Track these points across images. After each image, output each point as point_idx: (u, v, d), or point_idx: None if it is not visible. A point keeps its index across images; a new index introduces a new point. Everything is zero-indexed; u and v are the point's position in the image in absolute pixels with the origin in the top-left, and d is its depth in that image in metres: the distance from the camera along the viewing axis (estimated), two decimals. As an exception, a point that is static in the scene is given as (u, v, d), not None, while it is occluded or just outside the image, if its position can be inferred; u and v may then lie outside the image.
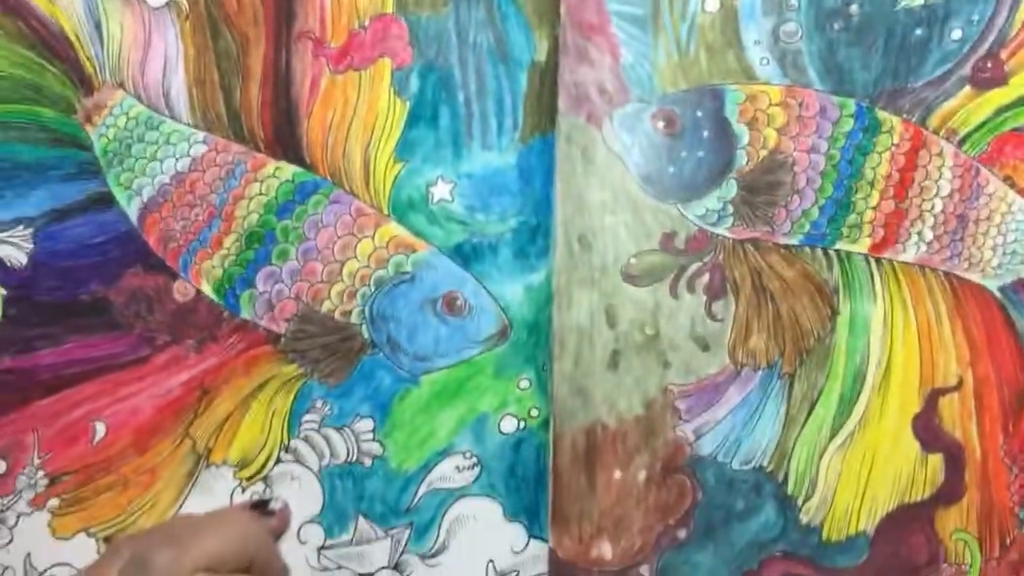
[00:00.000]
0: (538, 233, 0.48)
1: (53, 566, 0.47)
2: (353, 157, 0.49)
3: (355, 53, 0.49)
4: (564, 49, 0.48)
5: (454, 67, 0.49)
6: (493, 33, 0.49)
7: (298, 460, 0.47)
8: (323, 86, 0.49)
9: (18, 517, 0.47)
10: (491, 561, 0.48)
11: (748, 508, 0.47)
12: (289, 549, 0.44)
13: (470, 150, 0.49)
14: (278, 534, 0.43)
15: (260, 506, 0.43)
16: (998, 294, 0.48)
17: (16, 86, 0.49)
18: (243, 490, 0.47)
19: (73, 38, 0.49)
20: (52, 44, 0.49)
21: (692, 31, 0.48)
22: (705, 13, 0.48)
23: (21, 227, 0.48)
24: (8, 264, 0.48)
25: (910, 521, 0.48)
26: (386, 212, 0.49)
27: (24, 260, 0.48)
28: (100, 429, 0.48)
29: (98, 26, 0.49)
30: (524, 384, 0.48)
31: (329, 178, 0.49)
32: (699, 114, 0.48)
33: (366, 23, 0.49)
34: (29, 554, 0.47)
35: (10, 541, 0.47)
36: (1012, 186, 0.48)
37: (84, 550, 0.46)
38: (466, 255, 0.48)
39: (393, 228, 0.49)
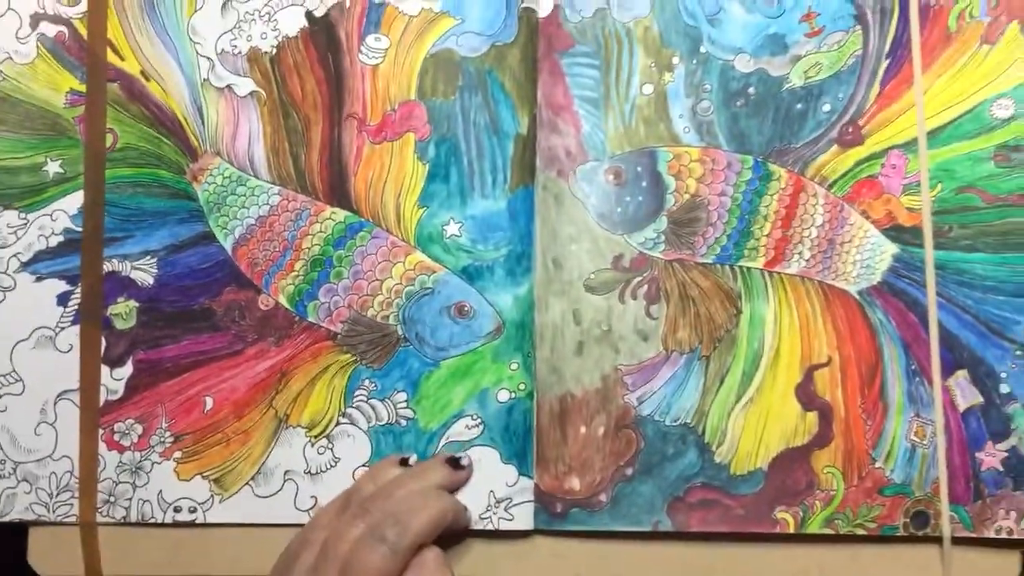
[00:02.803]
0: (523, 257, 0.59)
1: (177, 499, 0.59)
2: (388, 204, 0.60)
3: (388, 129, 0.60)
4: (540, 123, 0.60)
5: (460, 139, 0.60)
6: (488, 113, 0.60)
7: (352, 422, 0.58)
8: (365, 153, 0.60)
9: (152, 465, 0.59)
10: (492, 491, 0.57)
11: (676, 452, 0.58)
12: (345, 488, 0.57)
13: (472, 199, 0.59)
14: (464, 483, 0.57)
15: (454, 462, 0.57)
16: (857, 296, 0.59)
17: (142, 155, 0.61)
18: (312, 445, 0.59)
19: (182, 119, 0.61)
20: (167, 123, 0.61)
21: (633, 109, 0.60)
22: (643, 95, 0.60)
23: (148, 257, 0.60)
24: (140, 284, 0.60)
25: (793, 460, 0.58)
26: (413, 244, 0.59)
27: (151, 281, 0.60)
28: (209, 402, 0.59)
29: (200, 110, 0.61)
30: (514, 366, 0.58)
31: (371, 220, 0.60)
32: (639, 169, 0.60)
33: (396, 107, 0.60)
34: (161, 490, 0.59)
35: (147, 482, 0.59)
36: (867, 218, 0.59)
37: (200, 488, 0.59)
38: (471, 274, 0.59)
39: (418, 256, 0.59)
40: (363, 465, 0.59)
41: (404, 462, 0.57)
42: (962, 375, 0.59)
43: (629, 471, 0.59)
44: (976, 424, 0.59)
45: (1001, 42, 0.60)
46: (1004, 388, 0.59)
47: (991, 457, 0.58)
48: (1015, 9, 0.60)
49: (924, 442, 0.59)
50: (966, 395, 0.59)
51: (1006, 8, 0.60)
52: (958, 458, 0.59)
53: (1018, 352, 0.59)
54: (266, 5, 0.62)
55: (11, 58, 0.62)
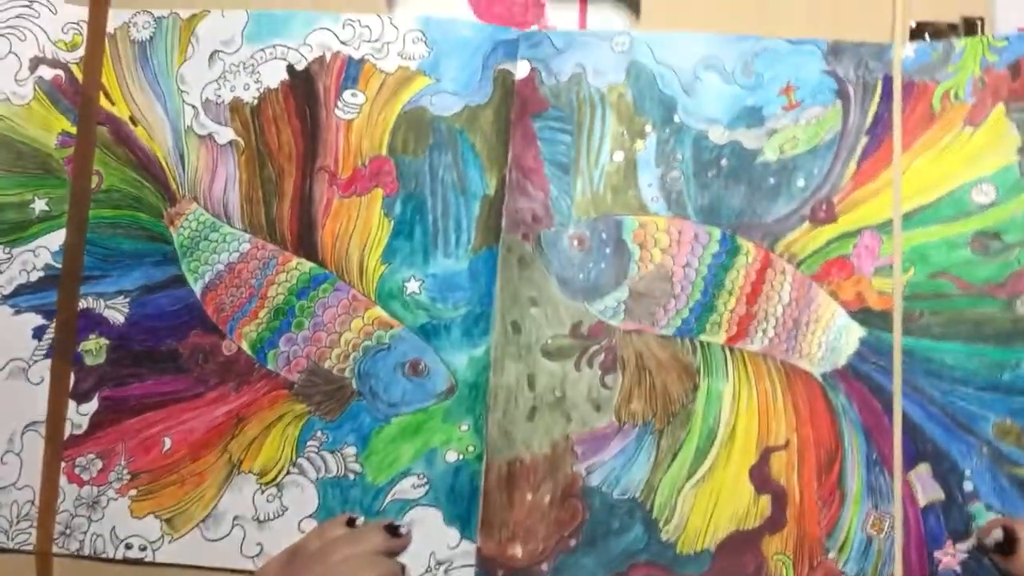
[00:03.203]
0: (481, 319, 0.59)
1: (129, 536, 0.60)
2: (352, 258, 0.61)
3: (358, 184, 0.61)
4: (509, 186, 0.60)
5: (427, 196, 0.61)
6: (457, 173, 0.61)
7: (302, 473, 0.59)
8: (334, 206, 0.61)
9: (108, 500, 0.60)
10: (432, 553, 0.57)
11: (622, 527, 0.57)
12: (291, 538, 0.58)
13: (435, 257, 0.60)
14: (402, 550, 0.58)
15: (393, 529, 0.57)
16: (820, 378, 0.57)
17: (124, 197, 0.63)
18: (262, 492, 0.59)
19: (164, 164, 0.63)
20: (150, 167, 0.63)
21: (602, 175, 0.60)
22: (612, 162, 0.60)
23: (121, 297, 0.62)
24: (112, 322, 0.62)
25: (743, 543, 0.56)
26: (373, 299, 0.60)
27: (122, 320, 0.62)
28: (167, 442, 0.60)
29: (181, 156, 0.63)
30: (464, 428, 0.58)
31: (335, 272, 0.61)
32: (604, 236, 0.60)
33: (367, 162, 0.61)
34: (114, 527, 0.60)
35: (102, 517, 0.60)
36: (835, 298, 0.58)
37: (151, 526, 0.60)
38: (428, 332, 0.60)
39: (378, 311, 0.60)
40: (310, 516, 0.60)
41: (351, 522, 0.58)
42: (924, 469, 0.57)
43: (573, 542, 0.58)
44: (936, 521, 0.56)
45: (985, 125, 0.58)
46: (968, 486, 0.56)
47: (950, 557, 0.56)
48: (1001, 91, 0.58)
49: (881, 536, 0.57)
50: (927, 490, 0.57)
51: (992, 90, 0.58)
52: (915, 555, 0.56)
53: (984, 449, 0.56)
54: (251, 57, 0.63)
55: (8, 99, 0.65)
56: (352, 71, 0.63)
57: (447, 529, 0.59)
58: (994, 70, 0.58)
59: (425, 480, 0.59)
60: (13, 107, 0.65)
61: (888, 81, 0.60)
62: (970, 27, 0.59)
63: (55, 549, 0.61)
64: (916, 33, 0.60)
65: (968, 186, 0.58)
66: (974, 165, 0.58)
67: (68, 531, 0.61)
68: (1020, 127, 0.58)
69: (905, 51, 0.60)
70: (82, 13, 0.65)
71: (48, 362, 0.62)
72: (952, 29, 0.59)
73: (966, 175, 0.58)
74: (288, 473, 0.60)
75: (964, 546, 0.56)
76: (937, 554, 0.56)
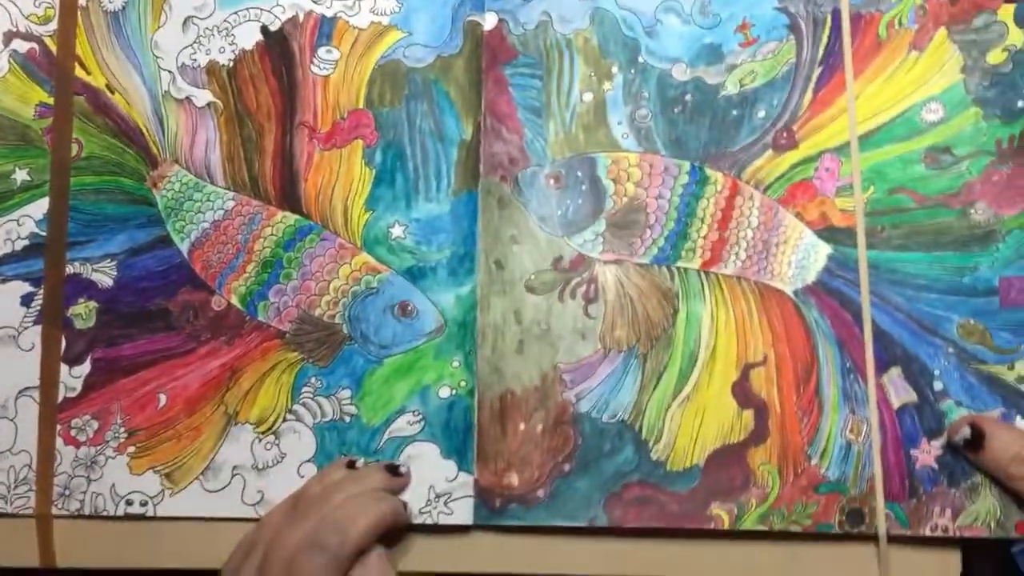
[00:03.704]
0: (465, 259, 0.61)
1: (129, 493, 0.60)
2: (336, 208, 0.62)
3: (337, 136, 0.63)
4: (484, 131, 0.62)
5: (406, 145, 0.62)
6: (433, 120, 0.62)
7: (298, 419, 0.60)
8: (315, 160, 0.63)
9: (106, 459, 0.61)
10: (432, 486, 0.59)
11: (613, 449, 0.59)
12: (291, 484, 0.59)
13: (417, 202, 0.62)
14: (402, 489, 0.59)
15: (393, 469, 0.59)
16: (792, 296, 0.60)
17: (106, 163, 0.64)
18: (259, 441, 0.60)
19: (144, 129, 0.64)
20: (129, 133, 0.64)
21: (573, 116, 0.63)
22: (583, 103, 0.63)
23: (108, 260, 0.63)
24: (100, 286, 0.63)
25: (729, 457, 0.59)
26: (359, 246, 0.62)
27: (110, 283, 0.63)
28: (162, 399, 0.61)
29: (161, 120, 0.64)
30: (456, 364, 0.60)
31: (320, 223, 0.62)
32: (579, 174, 0.62)
33: (345, 115, 0.63)
34: (113, 484, 0.61)
35: (101, 476, 0.61)
36: (801, 219, 0.61)
37: (151, 481, 0.61)
38: (414, 275, 0.61)
39: (364, 257, 0.62)
40: (308, 460, 0.61)
41: (351, 464, 0.59)
42: (896, 372, 0.60)
43: (567, 467, 0.60)
44: (911, 421, 0.59)
45: (929, 48, 0.62)
46: (937, 385, 0.59)
47: (926, 455, 0.59)
48: (942, 16, 0.62)
49: (859, 440, 0.59)
50: (900, 392, 0.60)
51: (933, 16, 0.62)
52: (893, 455, 0.59)
53: (950, 349, 0.59)
54: (224, 21, 0.65)
55: (-16, 73, 0.65)
56: (326, 28, 0.64)
57: (444, 462, 0.60)
58: (934, -2, 0.62)
59: (420, 416, 0.61)
60: (-11, 80, 0.65)
61: (837, 14, 0.63)
62: (911, -44, 0.63)
63: (55, 511, 0.61)
64: (861, -33, 0.64)
65: (918, 106, 0.61)
66: (922, 86, 0.62)
67: (67, 492, 0.61)
68: (962, 48, 0.61)
69: (851, -16, 0.63)
70: (54, -13, 0.66)
71: (38, 328, 0.63)
72: (894, -41, 0.63)
73: (915, 96, 0.62)
74: (285, 420, 0.61)
75: (938, 443, 0.59)
76: (913, 452, 0.59)
